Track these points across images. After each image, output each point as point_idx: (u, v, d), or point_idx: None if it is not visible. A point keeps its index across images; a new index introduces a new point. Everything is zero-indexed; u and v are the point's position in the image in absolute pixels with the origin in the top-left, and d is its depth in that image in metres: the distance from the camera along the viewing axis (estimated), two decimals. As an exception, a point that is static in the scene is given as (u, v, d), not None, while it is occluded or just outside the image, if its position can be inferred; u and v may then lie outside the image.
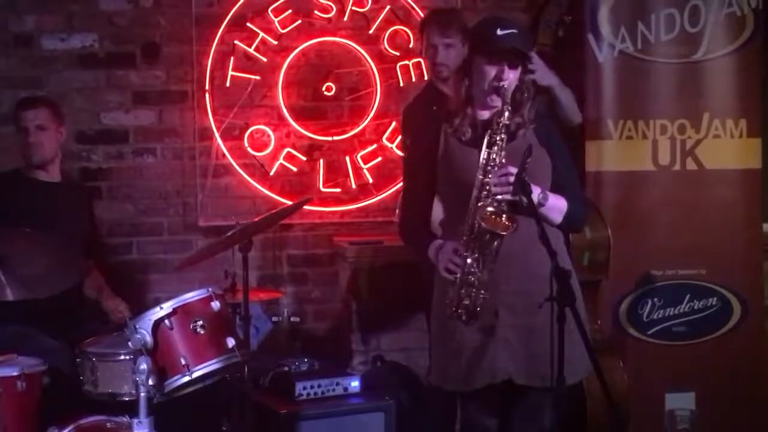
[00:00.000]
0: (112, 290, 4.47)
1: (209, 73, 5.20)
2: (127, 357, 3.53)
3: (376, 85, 5.36)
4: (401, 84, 5.36)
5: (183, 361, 3.35)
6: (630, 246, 4.71)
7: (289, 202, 5.11)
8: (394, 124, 5.27)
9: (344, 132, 5.37)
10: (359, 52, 5.35)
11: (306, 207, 5.14)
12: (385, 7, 5.34)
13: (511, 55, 3.27)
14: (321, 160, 5.35)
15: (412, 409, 4.50)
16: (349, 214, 5.40)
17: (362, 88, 5.38)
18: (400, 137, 4.99)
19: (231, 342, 3.44)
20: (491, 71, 3.27)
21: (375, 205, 5.40)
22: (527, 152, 3.16)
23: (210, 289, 3.50)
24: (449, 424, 4.24)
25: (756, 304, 4.89)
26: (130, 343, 3.35)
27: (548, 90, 4.19)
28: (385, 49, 5.36)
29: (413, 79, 5.32)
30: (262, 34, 5.24)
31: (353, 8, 5.32)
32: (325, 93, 5.34)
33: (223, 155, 5.25)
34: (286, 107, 5.30)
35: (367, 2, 5.33)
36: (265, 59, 5.27)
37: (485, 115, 3.36)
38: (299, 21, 5.28)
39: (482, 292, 3.21)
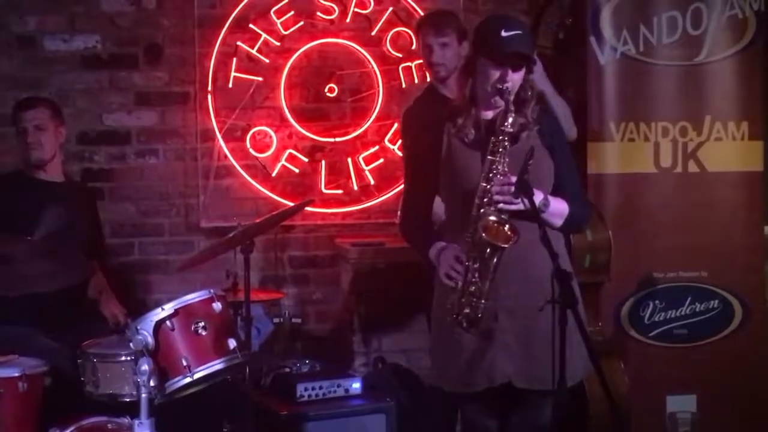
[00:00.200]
0: (115, 294, 4.47)
1: (212, 74, 5.20)
2: (129, 358, 3.53)
3: (378, 86, 5.36)
4: (403, 86, 5.36)
5: (184, 362, 3.35)
6: (631, 248, 4.71)
7: (291, 204, 5.12)
8: (396, 125, 5.26)
9: (346, 133, 5.37)
10: (362, 53, 5.35)
11: (308, 208, 5.14)
12: (387, 9, 5.35)
13: (515, 59, 3.27)
14: (323, 162, 5.35)
15: (413, 410, 4.49)
16: (350, 215, 5.40)
17: (364, 89, 5.39)
18: (400, 141, 4.99)
19: (232, 343, 3.44)
20: (495, 74, 3.26)
21: (377, 207, 5.40)
22: (529, 154, 3.16)
23: (211, 291, 3.50)
24: (450, 425, 4.24)
25: (757, 307, 4.89)
26: (131, 344, 3.35)
27: (541, 96, 4.19)
28: (388, 50, 5.36)
29: (416, 81, 5.32)
30: (264, 35, 5.24)
31: (356, 10, 5.33)
32: (328, 94, 5.34)
33: (225, 156, 5.26)
34: (288, 108, 5.30)
35: (370, 4, 5.33)
36: (267, 60, 5.27)
37: (489, 115, 3.36)
38: (302, 22, 5.29)
39: (483, 301, 3.21)
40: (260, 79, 5.27)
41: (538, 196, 3.23)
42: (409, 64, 5.35)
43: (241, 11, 5.21)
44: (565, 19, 4.56)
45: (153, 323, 3.34)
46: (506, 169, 3.22)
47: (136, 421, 3.28)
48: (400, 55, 5.36)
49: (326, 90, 5.34)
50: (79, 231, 4.39)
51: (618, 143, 4.82)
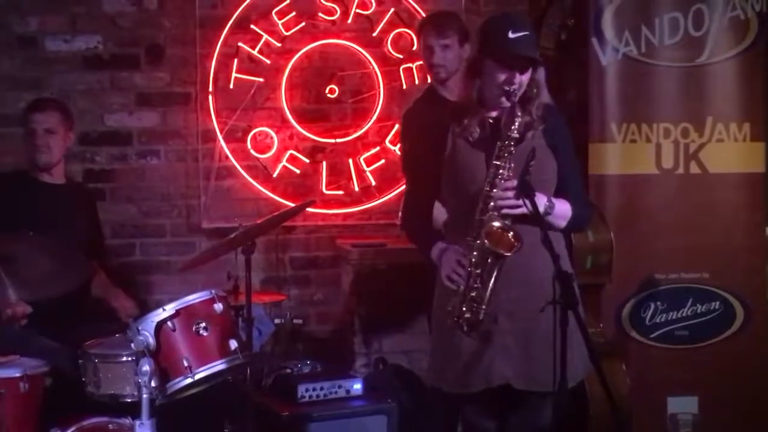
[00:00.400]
0: (123, 290, 4.47)
1: (213, 75, 5.21)
2: (130, 358, 3.52)
3: (379, 87, 5.36)
4: (404, 87, 5.36)
5: (185, 363, 3.34)
6: (633, 249, 4.71)
7: (292, 204, 5.12)
8: (397, 126, 5.26)
9: (347, 134, 5.37)
10: (363, 54, 5.35)
11: (309, 209, 5.14)
12: (389, 10, 5.35)
13: (523, 61, 3.26)
14: (324, 163, 5.35)
15: (414, 411, 4.49)
16: (351, 216, 5.40)
17: (365, 90, 5.38)
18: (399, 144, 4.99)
19: (233, 344, 3.43)
20: (501, 75, 3.26)
21: (378, 208, 5.40)
22: (530, 155, 3.16)
23: (213, 291, 3.49)
24: (451, 426, 4.23)
25: (759, 308, 4.88)
26: (132, 345, 3.34)
27: None
28: (389, 51, 5.36)
29: (416, 82, 5.32)
30: (265, 36, 5.24)
31: (357, 11, 5.33)
32: (329, 95, 5.34)
33: (226, 157, 5.25)
34: (289, 109, 5.30)
35: (371, 5, 5.33)
36: (268, 61, 5.27)
37: (494, 114, 3.36)
38: (303, 23, 5.29)
39: (484, 306, 3.21)
40: (261, 79, 5.27)
41: (542, 200, 3.23)
42: (410, 65, 5.35)
43: (243, 12, 5.21)
44: (566, 20, 4.56)
45: (154, 324, 3.34)
46: (510, 174, 3.22)
47: (137, 422, 3.27)
48: (401, 56, 5.36)
49: (327, 91, 5.34)
50: (80, 232, 4.40)
51: (619, 144, 4.81)
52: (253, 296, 4.02)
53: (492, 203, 3.21)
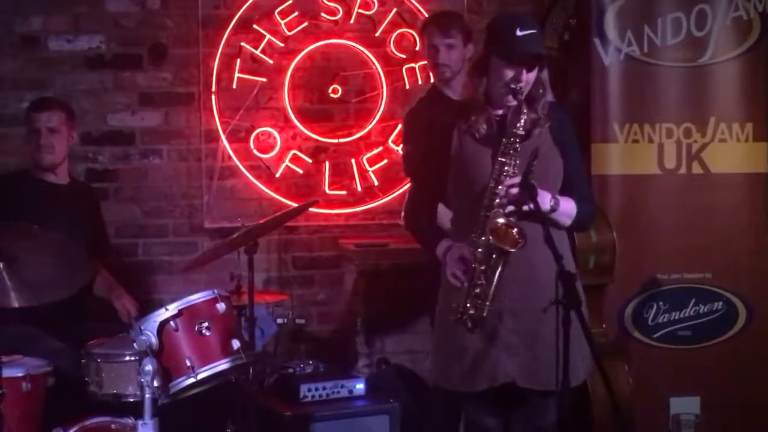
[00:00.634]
0: (126, 290, 4.47)
1: (216, 75, 5.21)
2: (132, 358, 3.53)
3: (382, 87, 5.36)
4: (407, 87, 5.36)
5: (188, 363, 3.35)
6: (635, 249, 4.71)
7: (295, 204, 5.12)
8: (400, 126, 5.25)
9: (350, 134, 5.37)
10: (365, 54, 5.35)
11: (311, 209, 5.14)
12: (391, 10, 5.35)
13: (530, 59, 3.27)
14: (327, 163, 5.35)
15: (416, 411, 4.49)
16: (354, 216, 5.40)
17: (368, 90, 5.39)
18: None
19: (236, 344, 3.44)
20: (509, 73, 3.26)
21: (380, 208, 5.40)
22: (533, 155, 3.16)
23: (215, 291, 3.50)
24: (453, 426, 4.23)
25: (761, 309, 4.88)
26: (135, 345, 3.35)
27: None
28: (392, 51, 5.36)
29: (419, 82, 5.32)
30: (268, 36, 5.24)
31: (360, 11, 5.33)
32: (331, 95, 5.34)
33: (229, 157, 5.26)
34: (292, 109, 5.30)
35: (374, 5, 5.33)
36: (271, 61, 5.27)
37: (500, 112, 3.36)
38: (306, 23, 5.29)
39: (488, 303, 3.21)
40: (264, 79, 5.27)
41: (546, 198, 3.23)
42: (412, 65, 5.35)
43: (246, 12, 5.21)
44: (569, 20, 4.55)
45: (157, 323, 3.35)
46: (516, 171, 3.23)
47: (140, 422, 3.28)
48: (404, 56, 5.36)
49: (330, 91, 5.34)
50: (84, 231, 4.40)
51: (622, 144, 4.81)
52: (256, 296, 4.03)
53: (497, 200, 3.22)
